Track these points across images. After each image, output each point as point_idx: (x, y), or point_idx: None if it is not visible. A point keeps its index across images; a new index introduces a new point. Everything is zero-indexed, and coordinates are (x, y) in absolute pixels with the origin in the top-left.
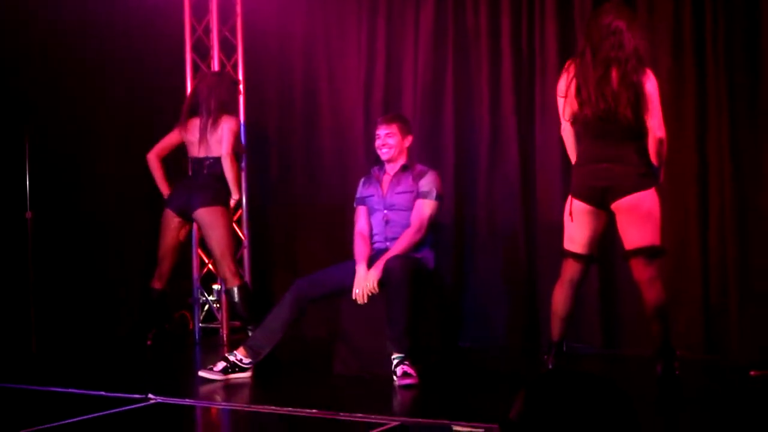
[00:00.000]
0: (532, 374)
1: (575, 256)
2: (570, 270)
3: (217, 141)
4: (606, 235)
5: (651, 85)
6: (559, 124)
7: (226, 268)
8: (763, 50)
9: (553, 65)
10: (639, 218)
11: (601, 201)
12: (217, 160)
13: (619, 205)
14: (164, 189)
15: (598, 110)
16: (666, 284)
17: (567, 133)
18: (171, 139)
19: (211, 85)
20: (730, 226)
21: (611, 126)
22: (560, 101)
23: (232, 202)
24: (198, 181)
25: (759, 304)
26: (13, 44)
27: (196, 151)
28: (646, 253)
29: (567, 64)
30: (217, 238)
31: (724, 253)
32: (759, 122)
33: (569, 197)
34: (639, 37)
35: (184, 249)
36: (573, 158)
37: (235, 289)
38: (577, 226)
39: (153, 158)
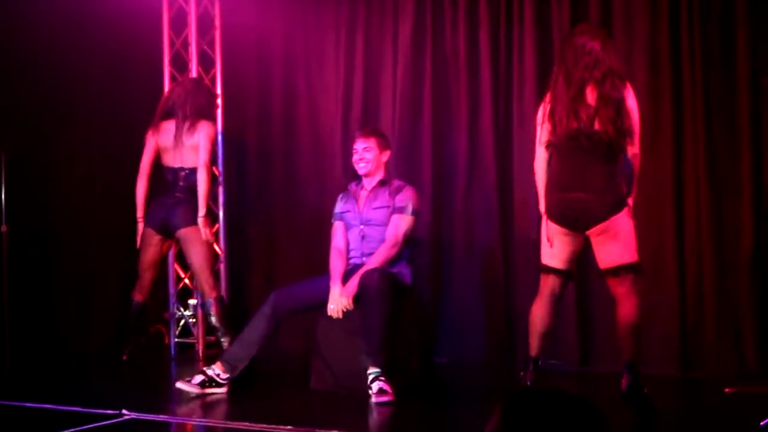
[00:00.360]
0: (508, 390)
1: (554, 271)
2: (549, 285)
3: (193, 148)
4: (582, 253)
5: (632, 100)
6: (535, 139)
7: (204, 282)
8: (739, 65)
9: (530, 80)
10: (612, 240)
11: (575, 226)
12: (193, 171)
13: (593, 232)
14: (139, 212)
15: (570, 130)
16: (641, 300)
17: (539, 160)
18: (149, 153)
19: (188, 89)
20: (707, 241)
21: (584, 146)
22: (538, 129)
23: (200, 220)
24: (175, 195)
25: (734, 321)
26: None
27: (170, 159)
28: (621, 269)
29: (546, 95)
30: (197, 253)
31: (701, 268)
32: (735, 137)
33: (544, 217)
34: (614, 57)
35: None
36: (541, 187)
37: (212, 301)
38: (555, 246)
39: (141, 182)
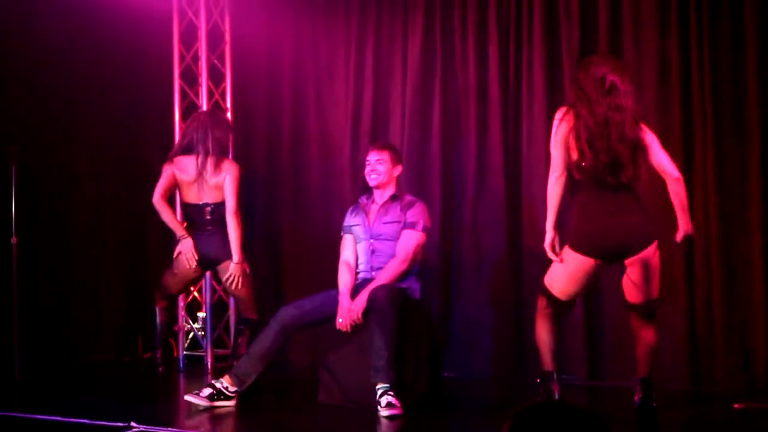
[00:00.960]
0: (518, 405)
1: (558, 302)
2: (551, 309)
3: (216, 187)
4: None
5: (650, 135)
6: (544, 155)
7: (246, 309)
8: (749, 76)
9: (540, 95)
10: (648, 274)
11: (613, 257)
12: (218, 205)
13: (634, 261)
14: (178, 230)
15: (604, 163)
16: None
17: (558, 185)
18: (169, 179)
19: (206, 123)
20: (716, 255)
21: (614, 180)
22: (554, 152)
23: (234, 267)
24: (207, 229)
25: (744, 336)
26: (2, 78)
27: (192, 197)
28: (648, 307)
29: (560, 113)
30: (244, 286)
31: (710, 284)
32: (745, 147)
33: (566, 247)
34: (632, 92)
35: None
36: (553, 213)
37: (250, 320)
38: (570, 281)
39: (160, 201)
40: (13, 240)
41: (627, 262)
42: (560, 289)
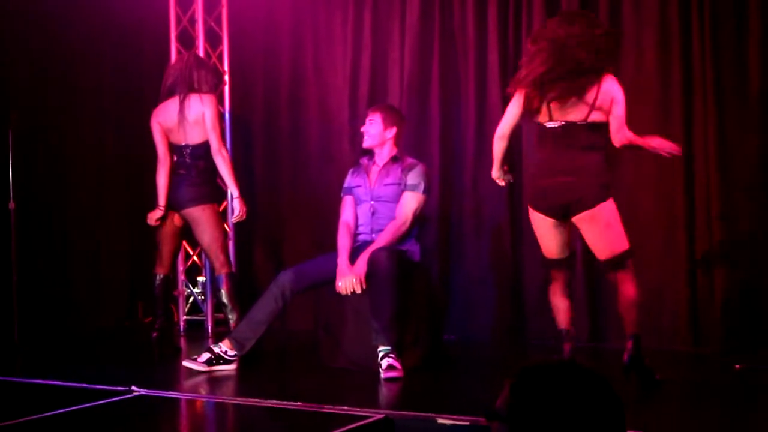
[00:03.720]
0: (519, 364)
1: (556, 263)
2: (558, 276)
3: (197, 122)
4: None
5: (617, 90)
6: None
7: (214, 258)
8: (750, 44)
9: None
10: (600, 230)
11: (561, 215)
12: (197, 147)
13: (581, 218)
14: (161, 200)
15: (564, 118)
16: (652, 277)
17: (506, 138)
18: (159, 138)
19: (190, 64)
20: (716, 217)
21: (574, 136)
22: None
23: (236, 201)
24: (179, 173)
25: (744, 297)
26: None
27: (175, 137)
28: (617, 261)
29: (529, 50)
30: (204, 232)
31: (710, 245)
32: (746, 115)
33: (529, 207)
34: (597, 43)
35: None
36: (497, 165)
37: (222, 277)
38: (545, 238)
39: (161, 169)
40: (11, 205)
41: (574, 219)
42: (543, 247)
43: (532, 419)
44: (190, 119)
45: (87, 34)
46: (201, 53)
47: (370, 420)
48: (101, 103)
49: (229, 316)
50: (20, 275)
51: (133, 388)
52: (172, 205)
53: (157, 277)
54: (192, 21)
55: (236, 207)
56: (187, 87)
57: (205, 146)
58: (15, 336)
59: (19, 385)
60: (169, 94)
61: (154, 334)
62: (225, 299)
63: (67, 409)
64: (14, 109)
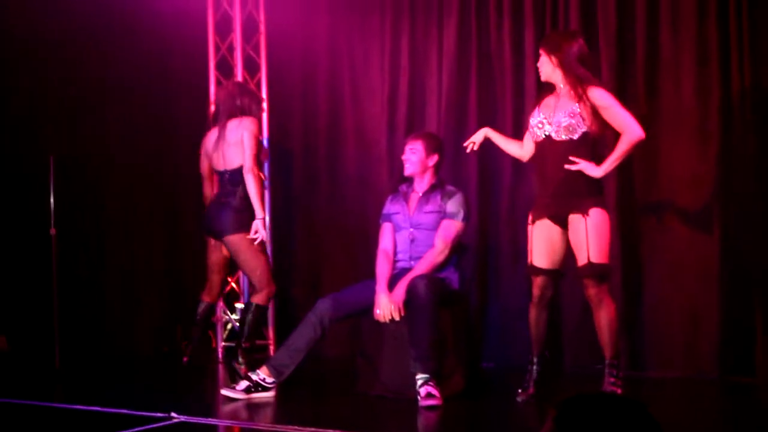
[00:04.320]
0: (559, 395)
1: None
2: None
3: (235, 145)
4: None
5: (605, 97)
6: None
7: (255, 287)
8: None
9: None
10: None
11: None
12: (235, 172)
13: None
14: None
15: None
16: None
17: None
18: (203, 160)
19: (232, 92)
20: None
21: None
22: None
23: (257, 223)
24: (220, 201)
25: None
26: (39, 69)
27: (216, 163)
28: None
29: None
30: (246, 262)
31: (746, 268)
32: None
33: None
34: (574, 59)
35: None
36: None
37: (253, 305)
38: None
39: (206, 188)
40: (52, 231)
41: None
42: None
43: None
44: (230, 141)
45: (125, 61)
46: (239, 81)
47: None
48: (137, 132)
49: (242, 342)
50: (61, 300)
51: (173, 414)
52: (215, 234)
53: (202, 304)
54: (230, 49)
55: (254, 225)
56: (228, 113)
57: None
58: (56, 361)
59: (60, 411)
60: (214, 122)
61: (185, 359)
62: (246, 324)
63: None
64: (53, 137)
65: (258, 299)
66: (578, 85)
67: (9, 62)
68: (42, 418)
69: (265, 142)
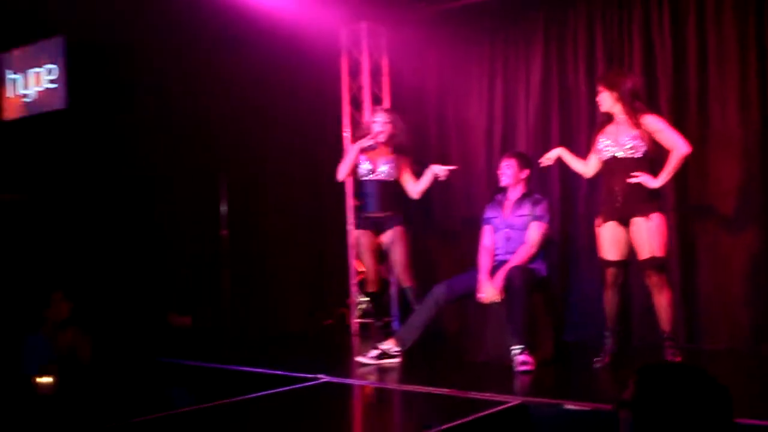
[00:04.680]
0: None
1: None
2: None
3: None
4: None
5: (657, 122)
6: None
7: (403, 274)
8: None
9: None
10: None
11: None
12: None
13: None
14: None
15: None
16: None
17: None
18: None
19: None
20: None
21: None
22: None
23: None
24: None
25: None
26: (212, 103)
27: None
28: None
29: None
30: (398, 253)
31: None
32: None
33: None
34: (628, 93)
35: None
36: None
37: (409, 289)
38: None
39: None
40: (224, 233)
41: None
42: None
43: (655, 408)
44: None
45: (275, 100)
46: (368, 114)
47: (509, 405)
48: (288, 156)
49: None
50: (232, 287)
51: (320, 376)
52: (378, 228)
53: (371, 294)
54: (359, 88)
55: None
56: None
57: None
58: (228, 334)
59: (231, 372)
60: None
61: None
62: (412, 305)
63: (269, 392)
64: (224, 159)
65: (409, 283)
66: (634, 114)
67: (190, 95)
68: (219, 377)
69: None
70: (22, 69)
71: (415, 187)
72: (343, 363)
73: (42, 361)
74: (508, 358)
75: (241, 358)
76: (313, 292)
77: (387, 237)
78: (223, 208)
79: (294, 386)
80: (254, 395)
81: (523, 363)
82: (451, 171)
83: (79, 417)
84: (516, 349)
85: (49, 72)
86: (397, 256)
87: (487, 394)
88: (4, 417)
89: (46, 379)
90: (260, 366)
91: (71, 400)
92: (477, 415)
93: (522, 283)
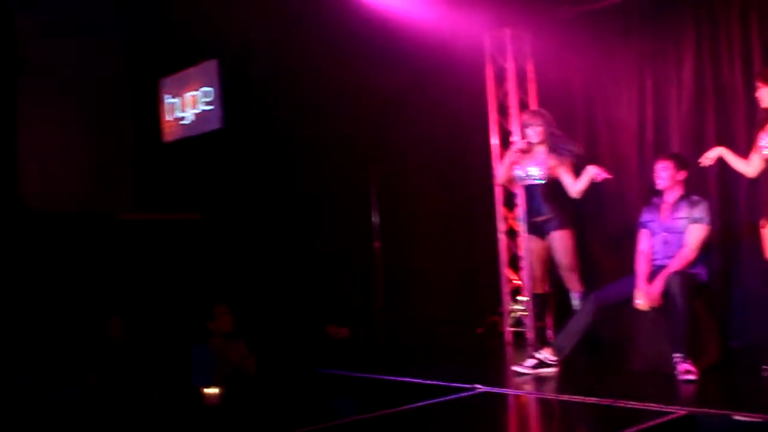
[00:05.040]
0: None
1: None
2: None
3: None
4: None
5: None
6: None
7: (569, 280)
8: None
9: None
10: None
11: None
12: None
13: None
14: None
15: None
16: None
17: None
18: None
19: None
20: None
21: None
22: None
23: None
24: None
25: None
26: (361, 117)
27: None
28: None
29: None
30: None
31: None
32: None
33: None
34: None
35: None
36: None
37: (575, 294)
38: None
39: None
40: (376, 244)
41: None
42: None
43: None
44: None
45: (422, 109)
46: (515, 121)
47: (675, 416)
48: (440, 168)
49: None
50: (386, 299)
51: (476, 386)
52: (541, 231)
53: (536, 296)
54: (505, 94)
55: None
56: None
57: None
58: (382, 343)
59: (384, 382)
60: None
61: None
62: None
63: (427, 402)
64: (373, 168)
65: (576, 288)
66: None
67: (340, 110)
68: (377, 388)
69: None
70: (178, 93)
71: (574, 186)
72: (498, 372)
73: (208, 373)
74: (667, 367)
75: (396, 368)
76: (466, 301)
77: (550, 240)
78: (375, 219)
79: (451, 396)
80: (413, 406)
81: (687, 372)
82: (606, 177)
83: (246, 427)
84: (679, 356)
85: (205, 94)
86: (561, 259)
87: (650, 405)
88: (172, 427)
89: (213, 390)
90: (415, 376)
91: (238, 410)
92: (641, 426)
93: (682, 288)
